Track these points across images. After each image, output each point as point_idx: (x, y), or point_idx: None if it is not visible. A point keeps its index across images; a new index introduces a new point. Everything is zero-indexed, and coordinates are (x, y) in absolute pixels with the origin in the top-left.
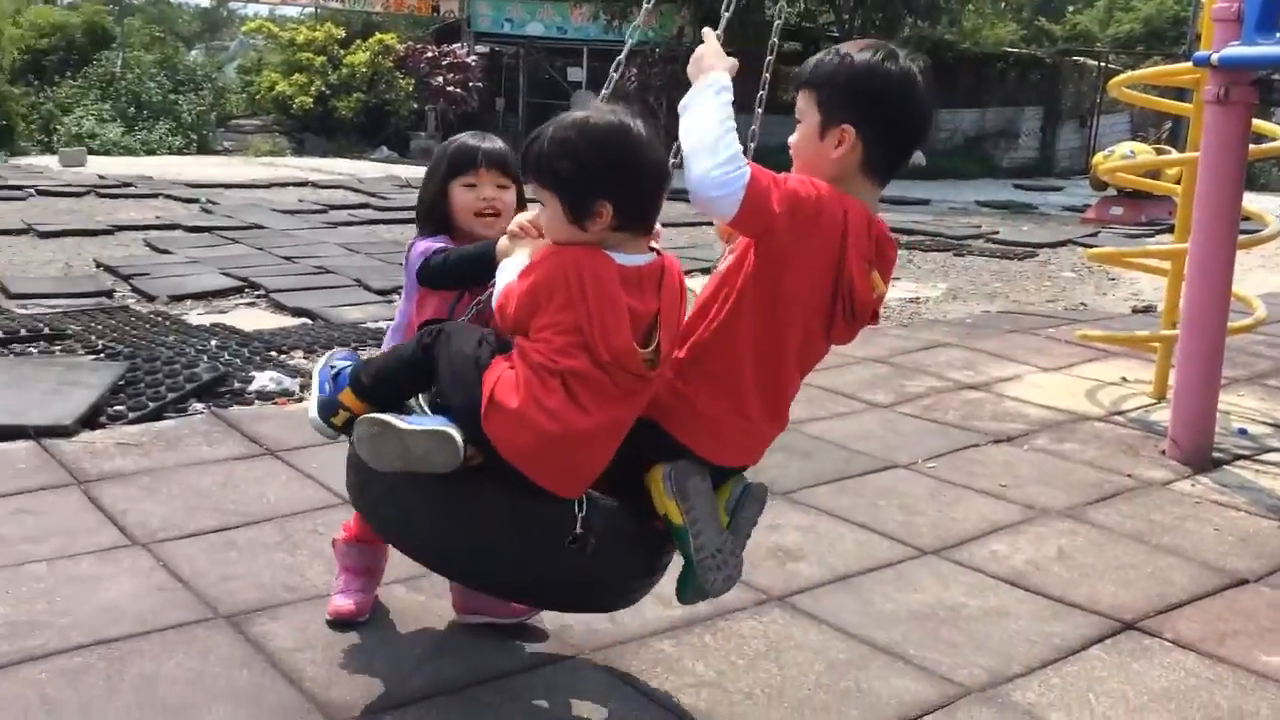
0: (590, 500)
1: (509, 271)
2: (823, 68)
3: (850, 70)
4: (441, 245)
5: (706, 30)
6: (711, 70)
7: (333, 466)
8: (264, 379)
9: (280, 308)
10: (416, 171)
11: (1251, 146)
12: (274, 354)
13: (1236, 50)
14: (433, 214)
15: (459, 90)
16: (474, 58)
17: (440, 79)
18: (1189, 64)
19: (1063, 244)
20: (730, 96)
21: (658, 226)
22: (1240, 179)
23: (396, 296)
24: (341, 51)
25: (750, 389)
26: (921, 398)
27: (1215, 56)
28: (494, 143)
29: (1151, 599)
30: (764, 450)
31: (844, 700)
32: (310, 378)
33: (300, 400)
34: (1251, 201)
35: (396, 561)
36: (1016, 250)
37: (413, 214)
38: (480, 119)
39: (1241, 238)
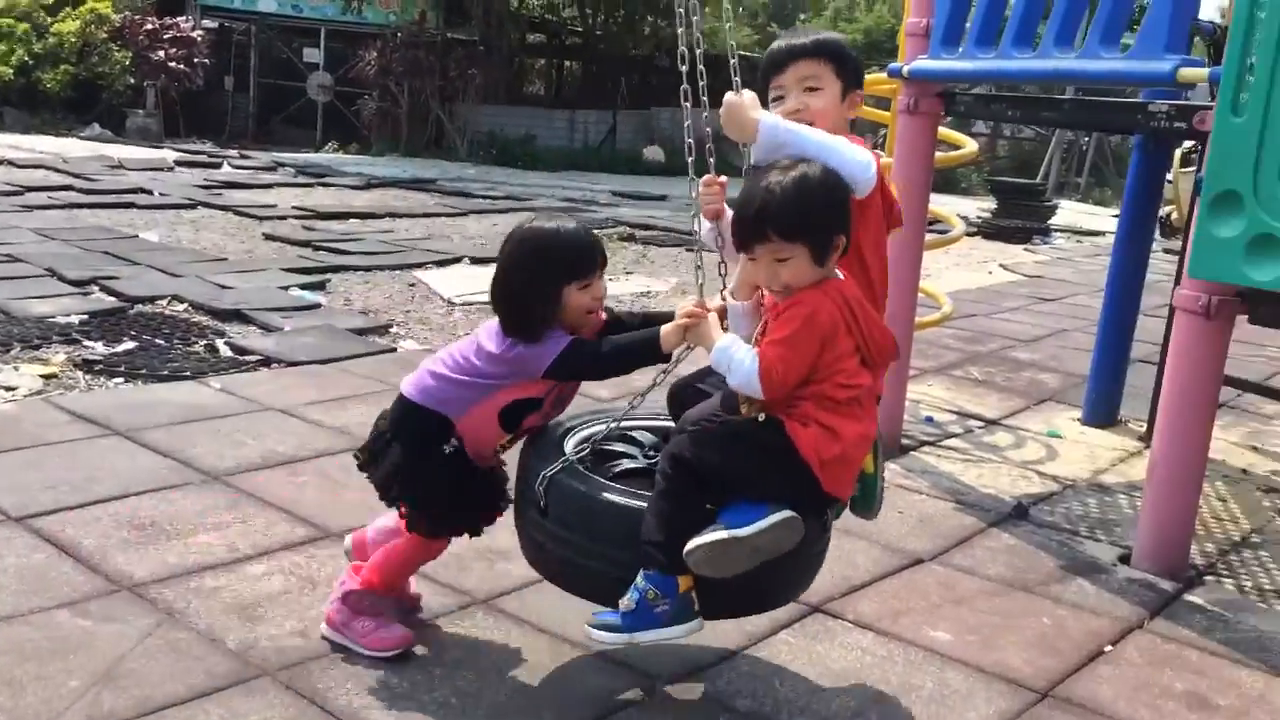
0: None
1: (731, 348)
2: (831, 44)
3: (846, 43)
4: (573, 338)
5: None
6: (762, 114)
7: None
8: None
9: None
10: (131, 151)
11: (941, 155)
12: None
13: (924, 64)
14: (538, 318)
15: (182, 66)
16: (200, 32)
17: (161, 53)
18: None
19: None
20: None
21: None
22: (927, 184)
23: (94, 287)
24: (49, 19)
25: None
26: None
27: (906, 69)
28: (588, 232)
29: (838, 582)
30: None
31: (541, 699)
32: None
33: None
34: (952, 204)
35: (58, 583)
36: None
37: (123, 197)
38: (206, 98)
39: (930, 238)
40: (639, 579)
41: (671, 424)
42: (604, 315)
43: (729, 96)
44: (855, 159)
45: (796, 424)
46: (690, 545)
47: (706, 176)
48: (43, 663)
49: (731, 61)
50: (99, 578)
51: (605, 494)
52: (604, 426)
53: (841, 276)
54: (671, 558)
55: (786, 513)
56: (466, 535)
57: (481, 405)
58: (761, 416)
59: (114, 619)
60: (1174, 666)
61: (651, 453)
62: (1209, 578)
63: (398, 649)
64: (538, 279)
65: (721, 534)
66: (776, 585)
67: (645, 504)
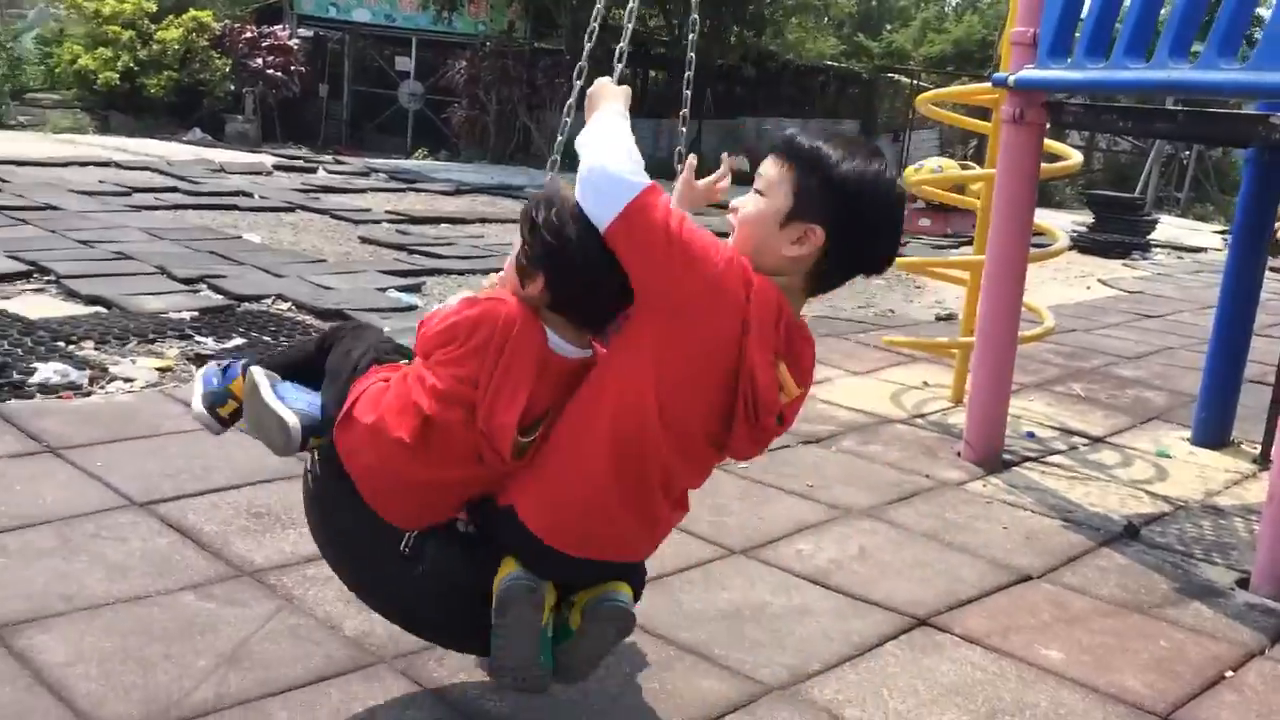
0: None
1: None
2: (808, 150)
3: (845, 170)
4: None
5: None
6: (610, 100)
7: (121, 465)
8: (47, 371)
9: (72, 295)
10: (230, 156)
11: (1044, 165)
12: (61, 344)
13: (1031, 73)
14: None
15: (279, 74)
16: (296, 41)
17: (260, 61)
18: (990, 84)
19: None
20: (628, 122)
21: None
22: (1032, 196)
23: (203, 285)
24: (152, 26)
25: (610, 477)
26: None
27: (1012, 78)
28: None
29: (943, 595)
30: (642, 546)
31: (649, 701)
32: (101, 369)
33: (88, 394)
34: (1046, 218)
35: (182, 566)
36: None
37: (225, 199)
38: (302, 105)
39: (1033, 251)
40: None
41: None
42: None
43: (599, 80)
44: (611, 167)
45: (378, 369)
46: (251, 369)
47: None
48: (170, 643)
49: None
50: (221, 563)
51: None
52: None
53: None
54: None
55: (290, 417)
56: None
57: None
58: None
59: (237, 603)
60: None
61: None
62: None
63: None
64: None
65: (264, 382)
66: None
67: None
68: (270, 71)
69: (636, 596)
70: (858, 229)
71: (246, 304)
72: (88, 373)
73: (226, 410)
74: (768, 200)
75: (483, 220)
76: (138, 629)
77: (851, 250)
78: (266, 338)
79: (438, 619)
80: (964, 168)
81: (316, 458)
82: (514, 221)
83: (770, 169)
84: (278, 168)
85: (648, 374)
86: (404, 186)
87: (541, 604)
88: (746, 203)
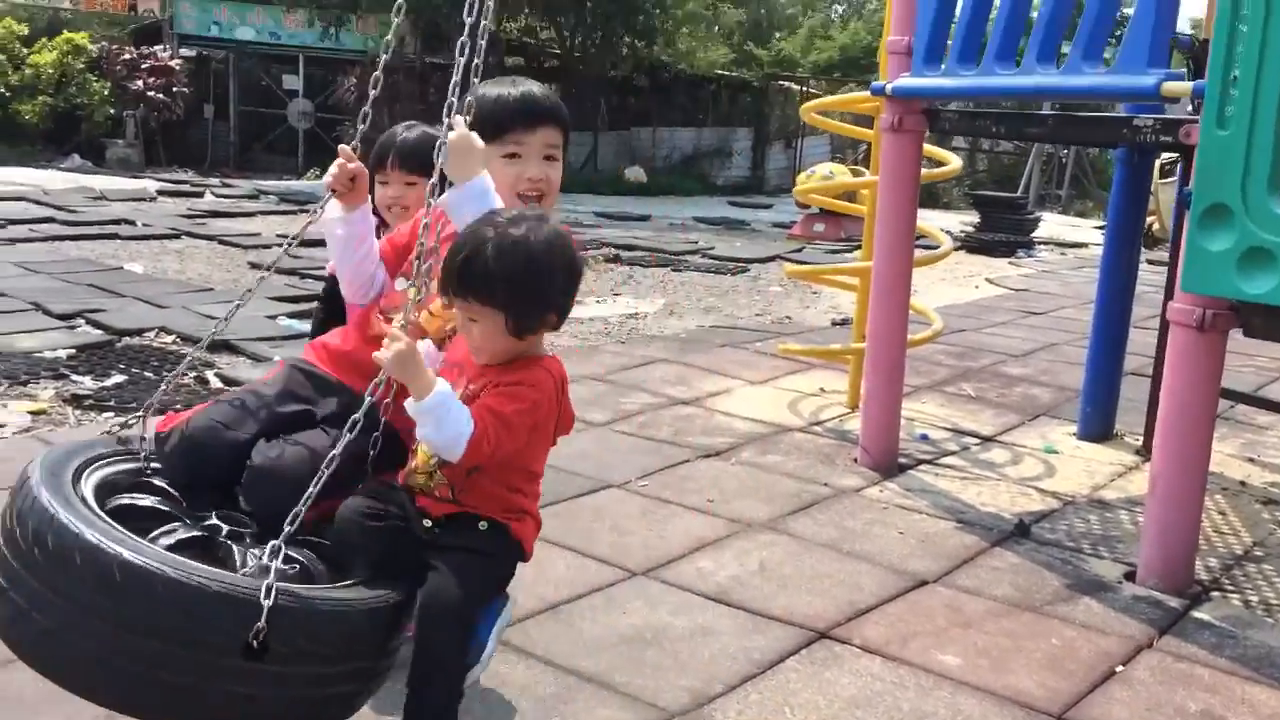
0: None
1: (452, 398)
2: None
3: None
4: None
5: (456, 119)
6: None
7: None
8: None
9: None
10: (112, 182)
11: (925, 171)
12: None
13: (906, 81)
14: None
15: (161, 96)
16: (178, 61)
17: (140, 83)
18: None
19: (772, 259)
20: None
21: None
22: (913, 201)
23: (80, 320)
24: (24, 50)
25: None
26: (636, 415)
27: (889, 86)
28: (412, 133)
29: (843, 606)
30: None
31: None
32: None
33: None
34: (933, 219)
35: None
36: (730, 265)
37: (106, 228)
38: (186, 127)
39: (920, 255)
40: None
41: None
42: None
43: (461, 129)
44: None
45: (516, 523)
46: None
47: (343, 147)
48: None
49: (455, 79)
50: None
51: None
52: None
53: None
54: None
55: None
56: None
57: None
58: (485, 525)
59: None
60: (1186, 685)
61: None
62: (1215, 593)
63: None
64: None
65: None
66: None
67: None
68: (151, 94)
69: None
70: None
71: (127, 338)
72: None
73: None
74: (558, 162)
75: None
76: None
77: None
78: (148, 373)
79: None
80: (855, 172)
81: None
82: None
83: (555, 138)
84: (162, 193)
85: None
86: (295, 209)
87: None
88: (550, 172)
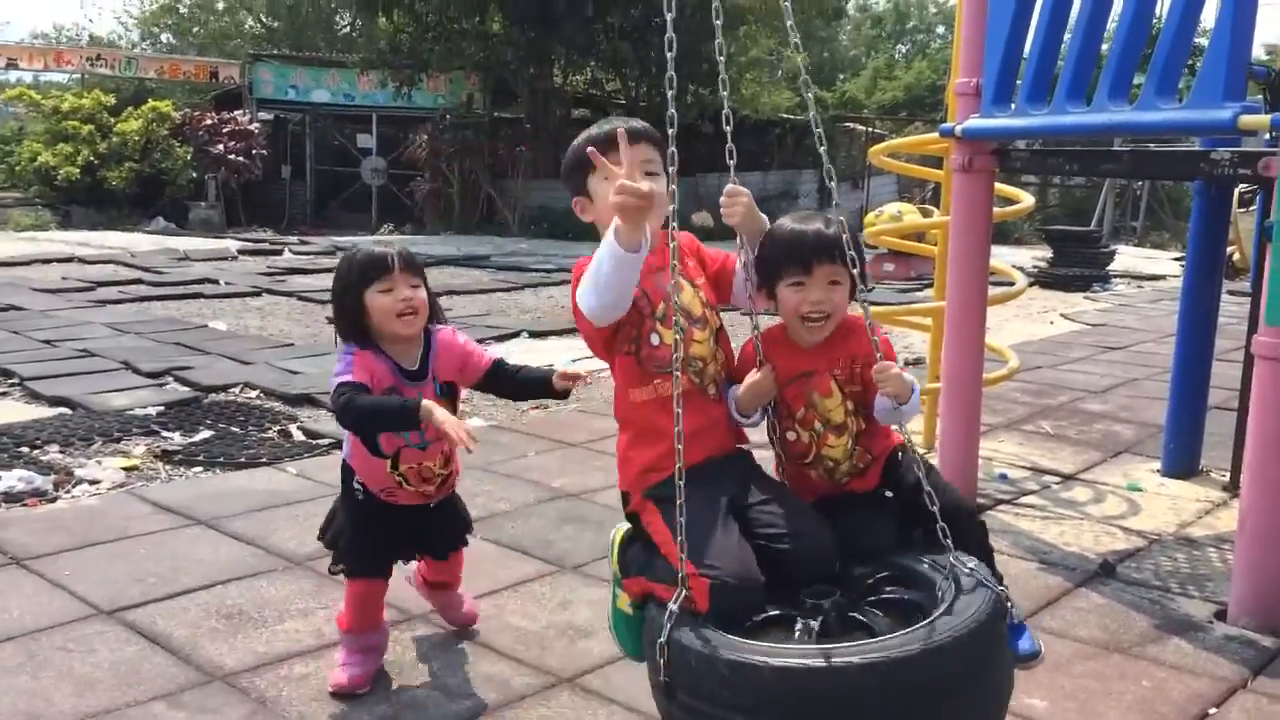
0: None
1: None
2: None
3: None
4: (349, 378)
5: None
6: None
7: (88, 573)
8: (11, 479)
9: (36, 397)
10: (195, 243)
11: (998, 209)
12: (25, 449)
13: (976, 123)
14: (355, 326)
15: (241, 158)
16: (257, 125)
17: (221, 146)
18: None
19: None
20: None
21: None
22: (986, 240)
23: (169, 378)
24: (112, 119)
25: None
26: None
27: (958, 128)
28: (395, 247)
29: None
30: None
31: None
32: (67, 473)
33: (54, 500)
34: (1006, 255)
35: (151, 675)
36: None
37: (190, 288)
38: (264, 187)
39: (994, 293)
40: None
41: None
42: (469, 347)
43: (735, 190)
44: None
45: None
46: None
47: (729, 187)
48: None
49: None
50: (191, 669)
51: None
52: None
53: None
54: None
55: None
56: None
57: (350, 435)
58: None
59: (208, 710)
60: None
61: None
62: None
63: (340, 689)
64: (342, 289)
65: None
66: None
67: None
68: (232, 156)
69: None
70: None
71: (213, 394)
72: (53, 478)
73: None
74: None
75: (450, 292)
76: None
77: None
78: (235, 428)
79: None
80: (923, 211)
81: None
82: (483, 291)
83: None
84: (242, 252)
85: None
86: None
87: None
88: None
